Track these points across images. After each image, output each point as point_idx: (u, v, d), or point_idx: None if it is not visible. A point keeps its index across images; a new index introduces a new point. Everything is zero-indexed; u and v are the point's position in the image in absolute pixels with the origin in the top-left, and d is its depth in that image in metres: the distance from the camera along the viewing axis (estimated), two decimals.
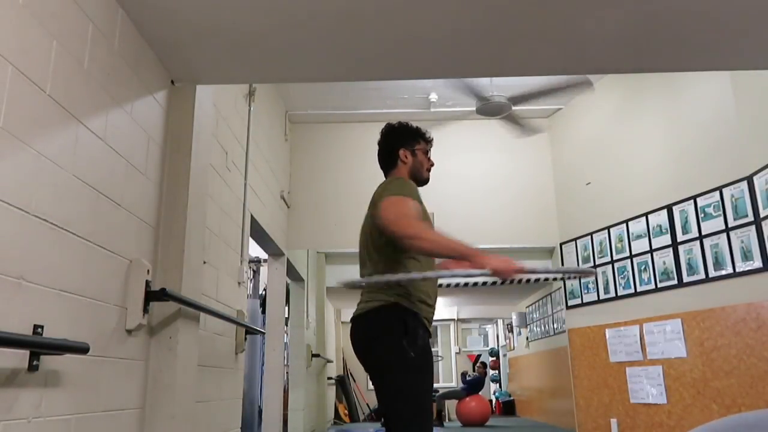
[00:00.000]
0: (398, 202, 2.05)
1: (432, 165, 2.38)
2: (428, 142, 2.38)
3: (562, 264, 6.25)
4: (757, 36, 2.49)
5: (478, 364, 10.76)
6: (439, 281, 2.41)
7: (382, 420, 2.16)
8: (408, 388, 1.95)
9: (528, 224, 6.23)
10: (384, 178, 2.34)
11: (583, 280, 5.96)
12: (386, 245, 2.07)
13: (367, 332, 2.06)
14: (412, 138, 2.35)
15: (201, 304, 2.67)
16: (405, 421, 1.92)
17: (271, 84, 5.28)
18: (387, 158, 2.36)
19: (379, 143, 2.38)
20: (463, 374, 10.29)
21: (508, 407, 11.50)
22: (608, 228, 5.66)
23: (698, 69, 2.98)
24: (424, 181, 2.34)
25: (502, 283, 2.27)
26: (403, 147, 2.32)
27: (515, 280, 2.03)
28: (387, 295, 2.03)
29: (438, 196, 6.27)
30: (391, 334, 1.98)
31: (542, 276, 1.85)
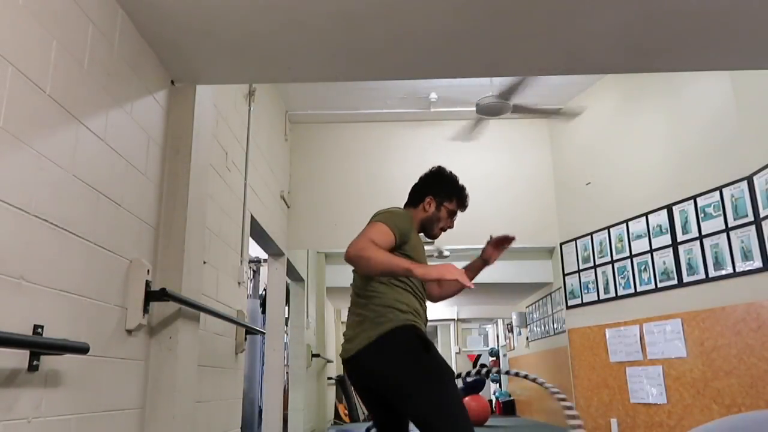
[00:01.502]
0: (367, 228, 2.03)
1: (450, 227, 2.30)
2: (461, 206, 2.29)
3: (563, 264, 6.25)
4: (757, 36, 2.49)
5: (478, 367, 10.77)
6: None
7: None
8: (442, 400, 1.90)
9: (528, 224, 6.22)
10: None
11: (583, 281, 5.95)
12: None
13: (382, 358, 1.97)
14: (448, 193, 2.26)
15: (201, 304, 2.67)
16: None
17: (271, 84, 5.28)
18: (414, 195, 2.30)
19: (420, 178, 2.32)
20: (461, 375, 10.25)
21: (508, 407, 11.49)
22: (608, 228, 5.66)
23: (698, 69, 2.98)
24: (431, 237, 2.27)
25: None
26: (433, 195, 2.24)
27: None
28: (383, 323, 1.99)
29: None
30: (411, 352, 1.94)
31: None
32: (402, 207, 2.29)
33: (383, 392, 2.01)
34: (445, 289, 2.44)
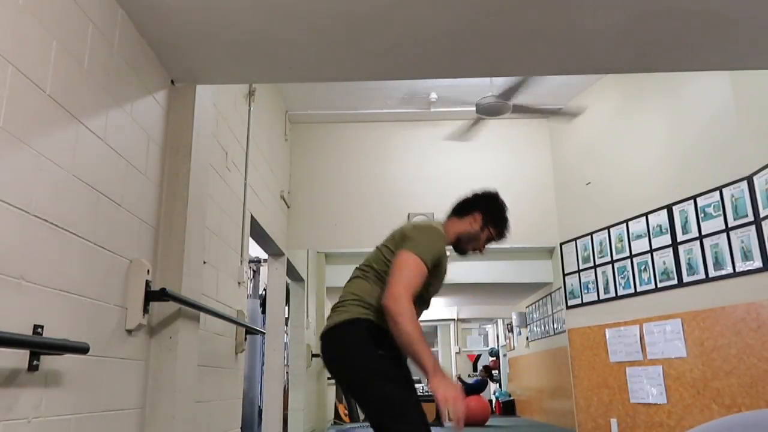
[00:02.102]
0: (412, 268, 1.97)
1: (480, 251, 2.27)
2: (500, 236, 2.26)
3: (563, 264, 6.25)
4: (757, 36, 2.49)
5: (480, 370, 10.80)
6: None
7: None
8: (389, 398, 1.91)
9: (528, 224, 6.23)
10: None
11: (583, 280, 5.96)
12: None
13: (337, 345, 2.02)
14: (495, 219, 2.23)
15: (201, 304, 2.67)
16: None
17: (271, 84, 5.28)
18: (462, 206, 2.27)
19: (472, 194, 2.30)
20: (460, 378, 10.19)
21: (508, 407, 11.49)
22: (608, 228, 5.66)
23: (698, 69, 2.98)
24: (461, 252, 2.26)
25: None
26: (482, 213, 2.22)
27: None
28: (361, 311, 2.01)
29: (438, 196, 6.27)
30: (366, 344, 1.96)
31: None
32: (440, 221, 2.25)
33: (338, 379, 2.04)
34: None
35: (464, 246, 2.25)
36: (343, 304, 2.08)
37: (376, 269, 2.11)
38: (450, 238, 2.22)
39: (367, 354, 1.95)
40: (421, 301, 2.10)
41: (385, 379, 1.93)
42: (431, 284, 2.09)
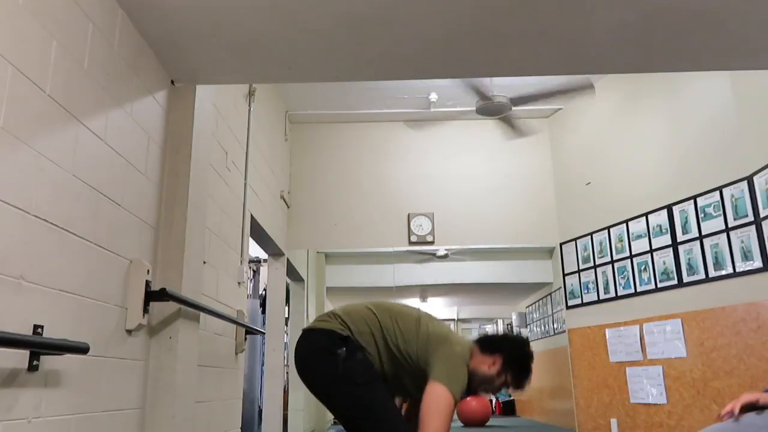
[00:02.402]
0: (447, 411, 1.96)
1: (489, 395, 2.31)
2: (517, 386, 2.22)
3: (562, 264, 6.26)
4: (757, 36, 2.49)
5: None
6: None
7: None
8: (357, 400, 2.01)
9: (528, 224, 6.23)
10: None
11: (583, 281, 5.96)
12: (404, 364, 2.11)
13: (311, 351, 2.15)
14: (517, 369, 2.19)
15: (201, 304, 2.67)
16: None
17: (271, 84, 5.28)
18: (489, 344, 2.22)
19: (505, 335, 2.29)
20: None
21: (508, 407, 11.50)
22: (608, 228, 5.66)
23: (698, 69, 2.98)
24: (472, 390, 2.20)
25: None
26: (503, 359, 2.17)
27: None
28: (339, 327, 2.12)
29: (438, 196, 6.28)
30: (332, 351, 2.06)
31: None
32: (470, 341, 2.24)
33: (310, 383, 2.13)
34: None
35: (476, 386, 2.19)
36: (331, 316, 2.19)
37: (387, 341, 2.12)
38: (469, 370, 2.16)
39: (334, 360, 2.04)
40: (401, 388, 2.15)
41: (353, 384, 2.00)
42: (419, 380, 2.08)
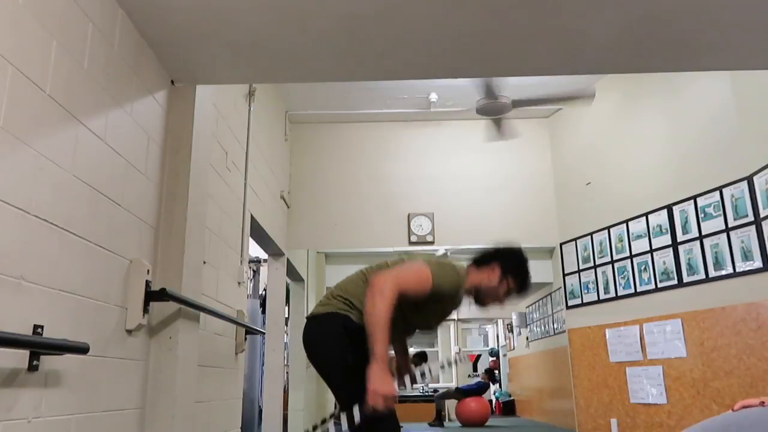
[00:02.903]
0: (415, 270, 2.04)
1: (498, 304, 2.26)
2: (521, 290, 2.25)
3: (563, 264, 6.26)
4: (757, 36, 2.49)
5: (483, 373, 10.80)
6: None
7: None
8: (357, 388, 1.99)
9: (528, 224, 6.22)
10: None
11: (583, 281, 5.95)
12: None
13: (314, 335, 2.16)
14: (515, 272, 2.22)
15: (201, 304, 2.67)
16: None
17: (271, 84, 5.28)
18: (483, 257, 2.25)
19: (496, 247, 2.29)
20: (458, 389, 10.09)
21: (508, 407, 11.49)
22: (608, 228, 5.66)
23: (698, 69, 2.98)
24: (480, 304, 2.24)
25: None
26: (500, 266, 2.20)
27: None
28: (342, 307, 2.12)
29: (438, 196, 6.28)
30: (337, 339, 2.07)
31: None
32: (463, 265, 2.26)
33: (311, 362, 2.18)
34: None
35: (482, 299, 2.22)
36: (330, 296, 2.20)
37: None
38: (468, 288, 2.20)
39: (335, 346, 2.07)
40: (405, 323, 2.14)
41: (348, 372, 2.02)
42: (422, 312, 2.12)
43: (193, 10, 2.18)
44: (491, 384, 11.25)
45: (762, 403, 1.55)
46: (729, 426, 1.53)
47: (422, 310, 2.13)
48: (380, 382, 1.86)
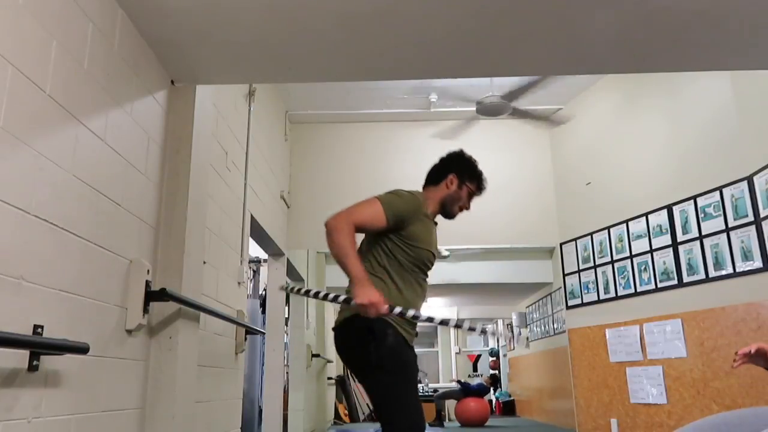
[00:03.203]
0: (366, 204, 2.13)
1: (467, 209, 2.35)
2: (480, 188, 2.36)
3: (563, 264, 6.26)
4: (757, 36, 2.49)
5: (486, 377, 10.82)
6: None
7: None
8: (385, 388, 2.02)
9: (528, 224, 6.22)
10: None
11: (583, 281, 5.95)
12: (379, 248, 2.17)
13: (344, 342, 2.15)
14: (470, 174, 2.33)
15: (201, 304, 2.67)
16: (387, 418, 2.00)
17: (271, 84, 5.27)
18: (434, 174, 2.35)
19: (439, 159, 2.38)
20: (460, 381, 10.17)
21: (508, 407, 11.50)
22: (608, 228, 5.66)
23: (698, 69, 2.98)
24: (450, 216, 2.33)
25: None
26: (456, 174, 2.31)
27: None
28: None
29: None
30: (361, 342, 2.05)
31: (422, 319, 1.93)
32: (419, 190, 2.32)
33: (349, 367, 2.17)
34: None
35: (450, 209, 2.31)
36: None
37: (385, 267, 2.15)
38: (434, 207, 2.29)
39: (373, 347, 2.03)
40: (422, 271, 2.18)
41: (387, 372, 2.00)
42: (412, 250, 2.14)
43: (193, 10, 2.18)
44: (491, 389, 11.26)
45: None
46: (719, 425, 1.54)
47: (416, 240, 2.15)
48: (371, 294, 1.91)
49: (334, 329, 2.17)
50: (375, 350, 2.01)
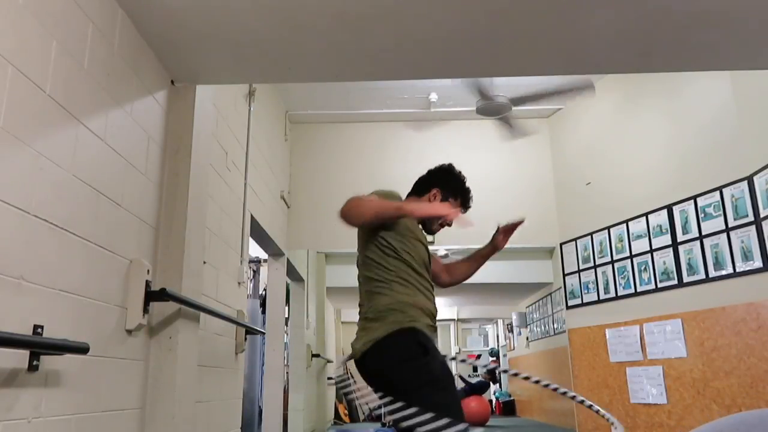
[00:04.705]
0: (357, 197, 2.09)
1: (448, 225, 2.26)
2: (464, 206, 2.29)
3: (563, 264, 6.25)
4: (757, 36, 2.49)
5: (484, 373, 10.83)
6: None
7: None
8: (440, 400, 1.86)
9: (528, 224, 6.16)
10: None
11: (583, 281, 5.95)
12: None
13: (382, 361, 1.95)
14: (454, 190, 2.27)
15: (201, 304, 2.67)
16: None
17: (271, 84, 5.28)
18: (420, 185, 2.30)
19: (427, 171, 2.34)
20: (461, 377, 10.22)
21: (508, 407, 11.49)
22: (608, 228, 5.66)
23: (698, 69, 2.98)
24: (430, 231, 2.25)
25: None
26: (440, 188, 2.25)
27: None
28: (388, 323, 1.96)
29: None
30: (409, 356, 1.91)
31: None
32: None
33: (388, 392, 1.94)
34: (455, 275, 2.43)
35: (430, 224, 2.25)
36: (376, 318, 2.00)
37: (391, 270, 2.06)
38: (415, 220, 2.21)
39: (415, 364, 1.90)
40: (420, 284, 2.08)
41: (434, 387, 1.87)
42: (406, 244, 2.08)
43: (193, 10, 2.18)
44: (491, 384, 11.26)
45: None
46: (738, 426, 1.53)
47: (410, 232, 2.10)
48: (438, 207, 1.95)
49: (359, 358, 1.97)
50: (426, 365, 1.89)
